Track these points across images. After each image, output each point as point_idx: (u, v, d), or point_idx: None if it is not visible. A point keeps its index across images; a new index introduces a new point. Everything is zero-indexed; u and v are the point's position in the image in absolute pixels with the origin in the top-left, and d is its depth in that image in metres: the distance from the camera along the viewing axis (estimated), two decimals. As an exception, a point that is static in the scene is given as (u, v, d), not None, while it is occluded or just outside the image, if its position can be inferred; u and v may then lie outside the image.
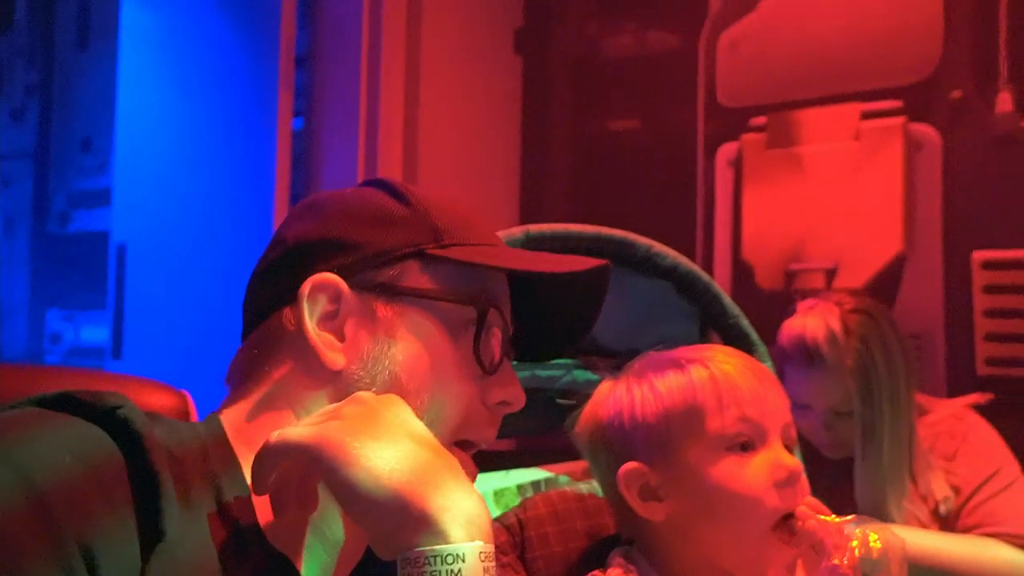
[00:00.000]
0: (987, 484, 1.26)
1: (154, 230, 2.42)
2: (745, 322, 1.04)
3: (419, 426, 0.54)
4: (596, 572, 0.75)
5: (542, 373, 1.01)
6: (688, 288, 1.03)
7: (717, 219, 2.06)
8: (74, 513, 0.45)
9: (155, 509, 0.47)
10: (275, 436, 0.52)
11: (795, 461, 0.73)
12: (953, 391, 1.71)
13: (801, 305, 1.35)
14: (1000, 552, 1.20)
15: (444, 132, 2.24)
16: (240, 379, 0.61)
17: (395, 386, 0.58)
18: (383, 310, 0.59)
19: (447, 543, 0.47)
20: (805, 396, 1.31)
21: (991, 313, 1.71)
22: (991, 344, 1.71)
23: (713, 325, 1.05)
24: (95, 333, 2.92)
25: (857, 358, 1.26)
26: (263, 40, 2.14)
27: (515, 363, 0.99)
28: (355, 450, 0.50)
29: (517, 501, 1.06)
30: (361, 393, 0.55)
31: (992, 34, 1.73)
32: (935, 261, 1.78)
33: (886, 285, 1.82)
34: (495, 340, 0.62)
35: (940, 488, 1.26)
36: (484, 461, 1.10)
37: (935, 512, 1.27)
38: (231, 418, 0.59)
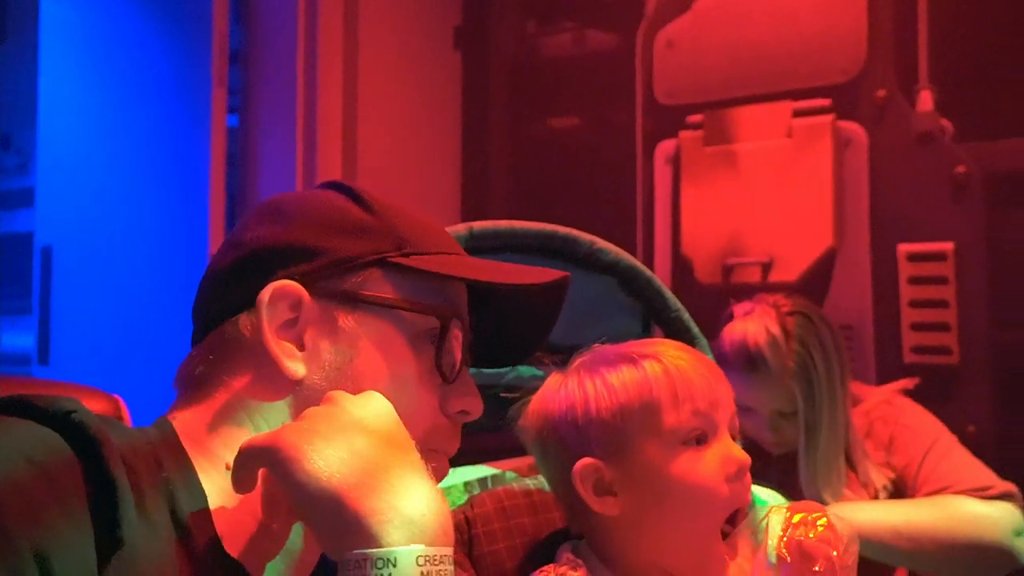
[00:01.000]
0: (930, 453, 1.31)
1: (81, 231, 2.33)
2: (686, 315, 1.05)
3: (384, 421, 0.53)
4: (546, 568, 0.75)
5: (487, 370, 1.01)
6: (630, 283, 1.04)
7: (656, 215, 2.10)
8: (27, 517, 0.43)
9: (113, 516, 0.46)
10: (246, 441, 0.52)
11: (744, 455, 0.73)
12: (882, 379, 1.78)
13: (737, 309, 1.37)
14: (966, 506, 1.24)
15: (384, 128, 2.22)
16: (194, 384, 0.59)
17: (356, 389, 0.57)
18: (344, 319, 0.59)
19: (380, 547, 0.47)
20: (749, 400, 1.33)
21: (916, 303, 1.79)
22: (916, 333, 1.79)
23: (655, 319, 1.07)
24: (19, 339, 2.79)
25: (798, 360, 1.29)
26: (195, 35, 2.08)
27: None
28: (303, 451, 0.49)
29: (464, 498, 1.06)
30: (337, 392, 0.55)
31: (913, 37, 1.81)
32: (863, 254, 1.85)
33: (818, 278, 1.88)
34: (456, 349, 0.62)
35: (878, 476, 1.31)
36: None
37: (875, 499, 1.31)
38: (185, 424, 0.57)
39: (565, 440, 0.77)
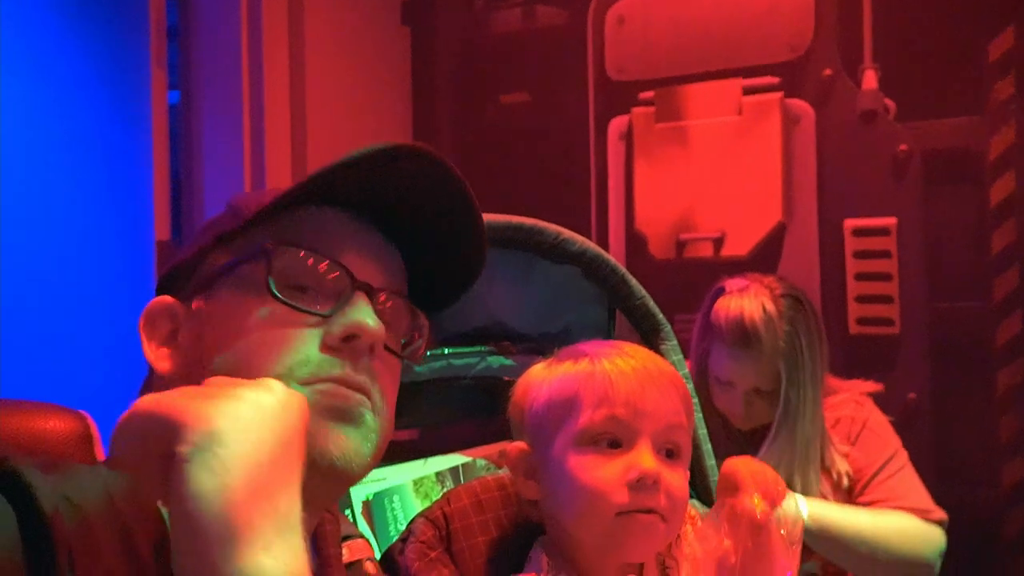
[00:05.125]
0: (886, 466, 1.37)
1: (18, 223, 2.22)
2: (651, 303, 1.07)
3: (294, 426, 0.49)
4: (531, 575, 0.77)
5: (457, 362, 1.02)
6: (595, 272, 1.05)
7: (610, 192, 2.11)
8: None
9: (51, 567, 0.42)
10: (132, 407, 0.48)
11: (651, 465, 0.73)
12: (830, 351, 1.85)
13: (730, 284, 1.38)
14: (903, 520, 1.32)
15: (332, 104, 2.17)
16: None
17: (208, 363, 0.57)
18: (199, 304, 0.60)
19: None
20: (732, 375, 1.37)
21: (861, 276, 1.85)
22: (861, 305, 1.85)
23: (620, 307, 1.08)
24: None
25: (788, 341, 1.32)
26: (130, 12, 1.99)
27: (428, 352, 0.99)
28: (206, 416, 0.45)
29: (436, 489, 1.07)
30: (272, 380, 0.51)
31: (857, 17, 1.85)
32: (811, 229, 1.90)
33: (768, 252, 1.93)
34: (319, 285, 0.59)
35: (841, 463, 1.37)
36: (402, 450, 1.10)
37: (836, 484, 1.37)
38: None
39: (516, 424, 0.82)
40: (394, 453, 1.07)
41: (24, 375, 1.85)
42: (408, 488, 1.04)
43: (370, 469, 0.60)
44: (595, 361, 0.78)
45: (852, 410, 1.41)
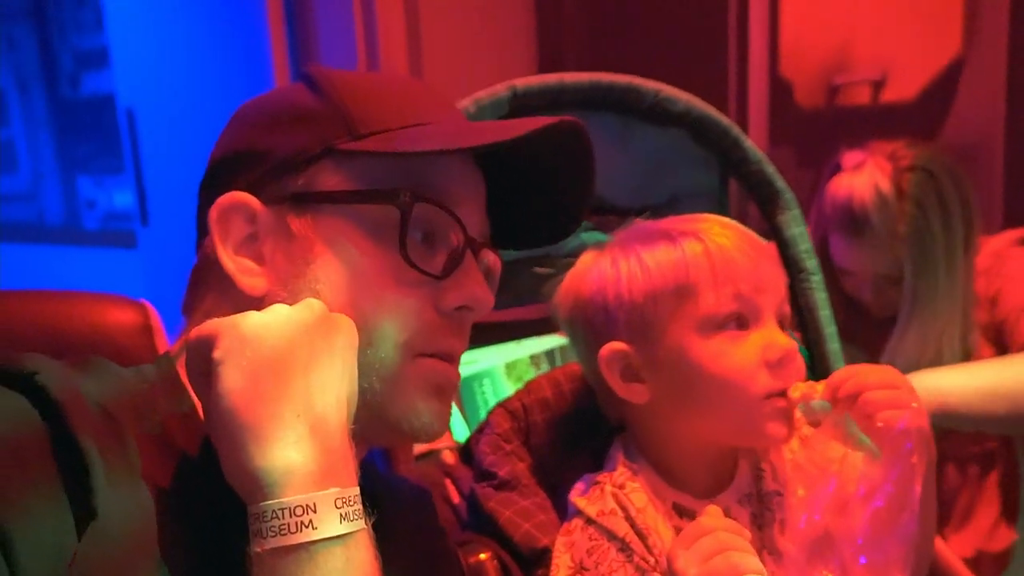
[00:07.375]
0: None
1: (159, 91, 2.32)
2: (769, 167, 0.93)
3: (276, 335, 0.46)
4: (601, 477, 0.72)
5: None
6: (705, 134, 0.92)
7: (752, 29, 1.86)
8: None
9: (84, 484, 0.42)
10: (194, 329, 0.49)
11: (788, 341, 0.67)
12: (1011, 209, 1.59)
13: (846, 159, 1.17)
14: None
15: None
16: (185, 313, 0.57)
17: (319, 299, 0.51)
18: (296, 223, 0.52)
19: (296, 494, 0.43)
20: (849, 263, 1.19)
21: (1059, 119, 1.54)
22: (1056, 154, 1.56)
23: (734, 172, 0.95)
24: (120, 197, 2.91)
25: (911, 224, 1.11)
26: None
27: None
28: (246, 339, 0.45)
29: (530, 372, 1.03)
30: (314, 300, 0.49)
31: None
32: (998, 62, 1.59)
33: (940, 93, 1.64)
34: (436, 238, 0.54)
35: (986, 348, 1.17)
36: (496, 332, 1.06)
37: None
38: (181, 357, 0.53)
39: (593, 323, 0.72)
40: (487, 335, 1.03)
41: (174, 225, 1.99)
42: (499, 371, 1.00)
43: None
44: (703, 239, 0.68)
45: (989, 265, 1.17)
